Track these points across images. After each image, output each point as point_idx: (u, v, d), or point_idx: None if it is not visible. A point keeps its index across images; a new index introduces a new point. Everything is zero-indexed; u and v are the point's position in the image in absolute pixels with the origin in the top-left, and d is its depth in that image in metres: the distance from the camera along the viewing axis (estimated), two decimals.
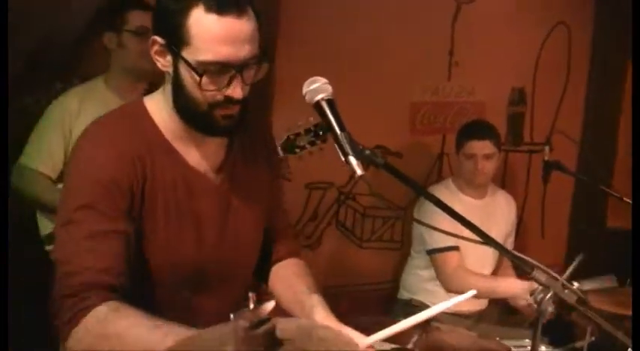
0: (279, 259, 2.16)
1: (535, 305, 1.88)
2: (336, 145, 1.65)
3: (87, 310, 1.63)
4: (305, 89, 1.69)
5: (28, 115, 3.24)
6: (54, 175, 3.11)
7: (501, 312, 3.96)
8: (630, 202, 3.54)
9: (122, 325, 1.60)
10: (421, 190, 2.00)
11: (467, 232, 3.67)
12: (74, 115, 3.03)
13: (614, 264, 3.67)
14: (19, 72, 3.44)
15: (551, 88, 4.80)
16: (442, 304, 1.98)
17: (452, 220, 3.57)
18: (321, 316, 1.89)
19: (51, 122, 3.12)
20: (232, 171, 1.95)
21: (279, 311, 1.74)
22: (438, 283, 3.79)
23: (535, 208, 4.81)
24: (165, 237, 1.81)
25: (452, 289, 3.73)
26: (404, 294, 3.99)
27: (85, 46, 3.54)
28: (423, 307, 3.77)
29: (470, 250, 3.79)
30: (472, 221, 1.83)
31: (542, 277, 1.77)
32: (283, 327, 1.06)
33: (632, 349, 1.76)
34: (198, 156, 1.88)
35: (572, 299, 1.78)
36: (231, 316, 1.03)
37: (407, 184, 1.76)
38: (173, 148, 1.85)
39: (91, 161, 1.75)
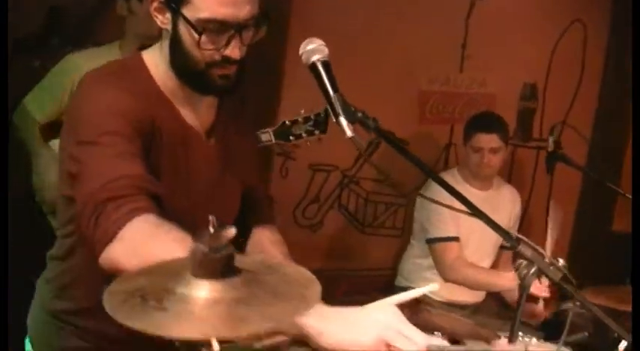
0: (255, 225, 2.15)
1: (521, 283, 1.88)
2: (328, 107, 1.65)
3: (139, 211, 1.59)
4: (301, 50, 1.69)
5: (32, 76, 3.28)
6: (42, 122, 3.18)
7: (498, 305, 3.95)
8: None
9: (169, 240, 1.56)
10: (422, 165, 1.95)
11: (468, 222, 3.70)
12: (81, 73, 3.05)
13: (618, 268, 3.63)
14: (31, 36, 3.48)
15: (563, 85, 4.77)
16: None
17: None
18: None
19: (57, 75, 3.19)
20: (223, 134, 1.98)
21: None
22: (435, 272, 3.77)
23: (540, 205, 4.77)
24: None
25: (450, 280, 3.72)
26: (401, 281, 3.98)
27: (99, 15, 3.56)
28: (424, 298, 3.77)
29: (470, 241, 3.78)
30: None
31: (528, 252, 1.77)
32: (246, 260, 1.06)
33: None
34: (191, 115, 1.90)
35: (556, 276, 1.77)
36: (191, 239, 1.03)
37: (401, 153, 1.74)
38: (171, 103, 1.87)
39: (108, 96, 1.75)
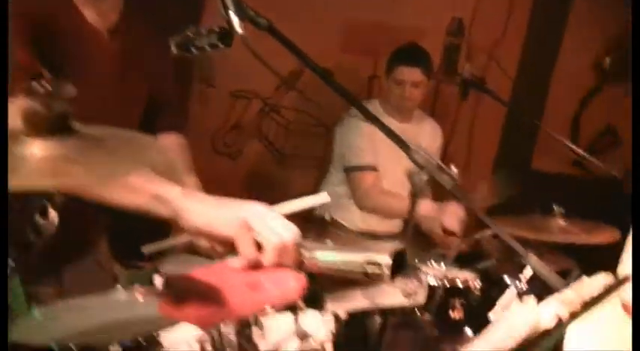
0: (160, 131, 2.15)
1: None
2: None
3: (24, 92, 1.57)
4: None
5: None
6: None
7: (415, 236, 3.95)
8: (560, 139, 3.60)
9: None
10: (344, 92, 1.90)
11: (387, 153, 3.67)
12: None
13: (534, 205, 3.67)
14: None
15: (491, 23, 4.75)
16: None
17: (372, 138, 3.55)
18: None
19: None
20: (129, 35, 1.98)
21: None
22: (352, 201, 3.79)
23: (462, 142, 4.80)
24: None
25: (365, 208, 3.73)
26: (319, 211, 3.95)
27: None
28: (336, 224, 3.76)
29: (388, 173, 3.79)
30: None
31: (420, 159, 1.75)
32: (100, 130, 1.01)
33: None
34: (92, 13, 1.89)
35: (448, 184, 1.75)
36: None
37: (323, 79, 1.71)
38: (72, 1, 1.86)
39: None
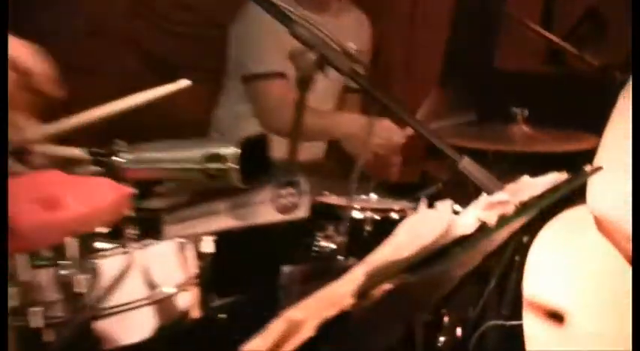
0: None
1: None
2: None
3: None
4: None
5: None
6: None
7: (340, 163, 3.90)
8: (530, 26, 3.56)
9: None
10: None
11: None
12: None
13: (500, 106, 3.62)
14: None
15: None
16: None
17: (279, 37, 3.44)
18: None
19: None
20: None
21: None
22: (256, 121, 3.73)
23: (400, 39, 4.70)
24: None
25: (274, 126, 3.59)
26: (212, 134, 3.86)
27: None
28: None
29: None
30: None
31: (306, 34, 1.62)
32: None
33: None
34: None
35: (345, 66, 1.64)
36: None
37: None
38: None
39: None
